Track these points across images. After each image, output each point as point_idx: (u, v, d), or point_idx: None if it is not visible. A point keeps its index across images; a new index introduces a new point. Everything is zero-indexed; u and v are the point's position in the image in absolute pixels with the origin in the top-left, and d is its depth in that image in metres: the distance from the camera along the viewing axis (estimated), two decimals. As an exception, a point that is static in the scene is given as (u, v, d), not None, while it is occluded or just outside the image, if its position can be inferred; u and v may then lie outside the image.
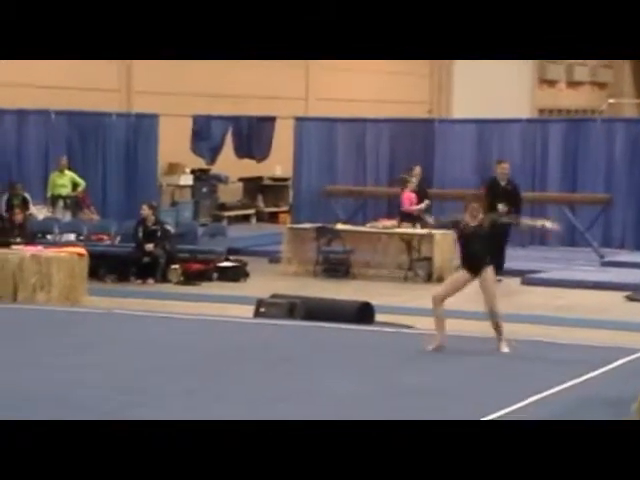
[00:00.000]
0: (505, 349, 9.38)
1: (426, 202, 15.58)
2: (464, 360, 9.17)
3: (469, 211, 9.50)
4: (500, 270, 13.08)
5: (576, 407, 7.48)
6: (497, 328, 9.47)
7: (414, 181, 15.67)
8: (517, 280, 14.26)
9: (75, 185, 17.31)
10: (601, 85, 28.97)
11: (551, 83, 27.77)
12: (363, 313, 11.01)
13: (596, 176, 17.35)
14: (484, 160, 18.62)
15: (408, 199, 15.43)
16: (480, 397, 7.73)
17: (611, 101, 23.78)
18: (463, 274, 9.62)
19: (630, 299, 12.93)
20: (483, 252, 9.47)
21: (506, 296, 13.61)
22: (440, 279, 14.65)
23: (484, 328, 10.69)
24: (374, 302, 11.34)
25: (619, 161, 17.41)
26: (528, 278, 14.39)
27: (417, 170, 16.04)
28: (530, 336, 10.25)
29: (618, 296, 13.02)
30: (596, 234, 16.58)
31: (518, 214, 13.84)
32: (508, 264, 15.00)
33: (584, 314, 11.99)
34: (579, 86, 27.87)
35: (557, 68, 26.99)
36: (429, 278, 14.72)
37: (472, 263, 9.49)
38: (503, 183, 14.30)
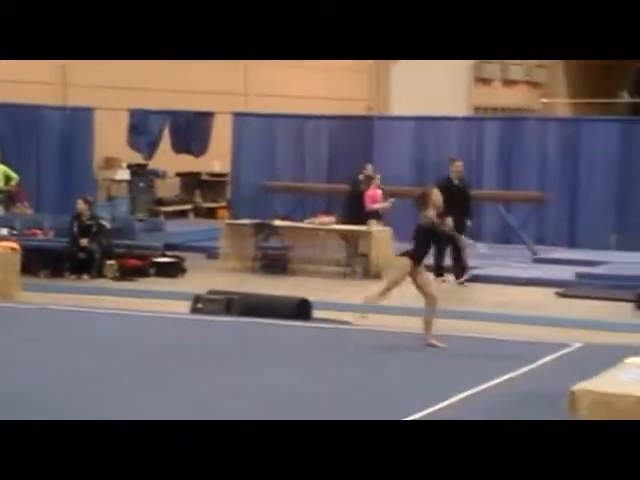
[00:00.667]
0: (440, 344, 9.48)
1: (391, 200, 15.54)
2: (402, 356, 9.26)
3: (435, 207, 9.54)
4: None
5: (510, 401, 7.59)
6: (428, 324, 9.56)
7: (378, 177, 15.72)
8: (452, 277, 14.42)
9: (8, 179, 17.06)
10: (535, 84, 29.41)
11: (487, 82, 28.11)
12: (301, 309, 11.04)
13: (530, 174, 17.62)
14: (422, 157, 18.80)
15: (371, 197, 15.40)
16: (414, 392, 7.81)
17: (545, 100, 24.14)
18: (407, 264, 9.56)
19: (561, 295, 13.17)
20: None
21: (444, 293, 13.78)
22: (377, 275, 14.76)
23: (435, 325, 10.81)
24: (312, 298, 11.38)
25: (552, 159, 17.69)
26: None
27: (369, 168, 16.11)
28: (465, 332, 10.38)
29: (550, 292, 13.25)
30: (529, 231, 16.83)
31: (468, 213, 14.03)
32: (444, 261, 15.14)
33: (517, 310, 12.18)
34: (514, 85, 28.23)
35: (493, 67, 27.33)
36: (366, 274, 14.81)
37: (422, 257, 9.54)
38: (456, 182, 14.30)
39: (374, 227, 15.10)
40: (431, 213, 9.56)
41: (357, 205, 15.65)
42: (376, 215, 15.34)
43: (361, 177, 16.05)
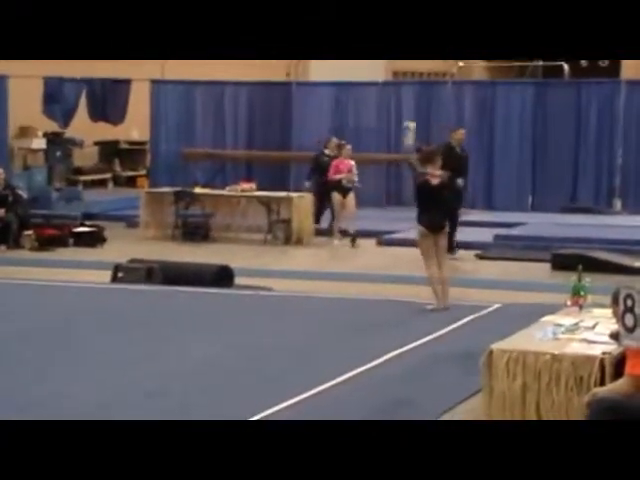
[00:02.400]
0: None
1: (355, 173, 14.80)
2: (323, 321, 9.32)
3: (436, 165, 9.56)
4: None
5: (429, 362, 7.72)
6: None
7: (349, 147, 14.93)
8: (372, 241, 14.54)
9: None
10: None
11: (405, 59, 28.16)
12: (222, 276, 11.03)
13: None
14: (341, 123, 18.85)
15: (335, 167, 14.61)
16: (340, 355, 7.89)
17: (461, 64, 24.31)
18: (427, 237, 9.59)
19: (479, 257, 13.38)
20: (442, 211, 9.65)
21: (358, 256, 13.88)
22: (299, 241, 14.82)
23: (355, 289, 10.91)
24: (234, 265, 11.37)
25: (468, 123, 17.89)
26: (384, 239, 14.68)
27: (334, 140, 15.45)
28: (384, 295, 10.49)
29: (469, 254, 13.45)
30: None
31: (465, 179, 13.71)
32: (362, 224, 15.27)
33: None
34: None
35: (411, 32, 27.46)
36: (288, 240, 14.85)
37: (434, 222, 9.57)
38: (458, 150, 13.69)
39: (335, 198, 14.53)
40: (437, 172, 9.59)
41: (322, 176, 14.95)
42: (339, 187, 14.55)
43: (327, 151, 15.32)
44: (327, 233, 15.00)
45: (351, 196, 14.72)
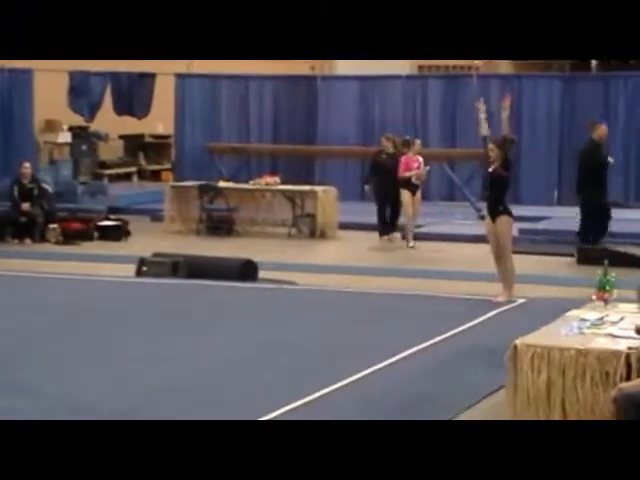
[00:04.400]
0: (499, 299, 9.62)
1: (426, 167, 14.28)
2: (347, 315, 9.29)
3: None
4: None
5: (453, 357, 7.68)
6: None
7: (418, 143, 14.42)
8: (397, 234, 14.48)
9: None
10: (480, 42, 29.43)
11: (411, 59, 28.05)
12: (246, 270, 11.03)
13: (473, 131, 17.64)
14: (366, 116, 18.81)
15: (405, 164, 13.91)
16: (364, 350, 7.86)
17: (488, 58, 24.20)
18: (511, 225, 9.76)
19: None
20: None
21: (390, 251, 13.85)
22: (323, 235, 14.80)
23: (379, 284, 10.89)
24: (258, 259, 11.36)
25: (496, 117, 17.70)
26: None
27: (390, 136, 14.80)
28: (412, 289, 10.45)
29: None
30: (474, 189, 16.94)
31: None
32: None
33: (462, 267, 12.29)
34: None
35: (437, 25, 27.32)
36: (312, 234, 14.84)
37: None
38: (604, 146, 13.11)
39: (404, 197, 13.81)
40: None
41: (382, 175, 14.20)
42: (409, 184, 13.85)
43: (385, 147, 14.58)
44: (384, 232, 14.29)
45: (418, 195, 14.04)
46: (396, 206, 14.26)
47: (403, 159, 13.96)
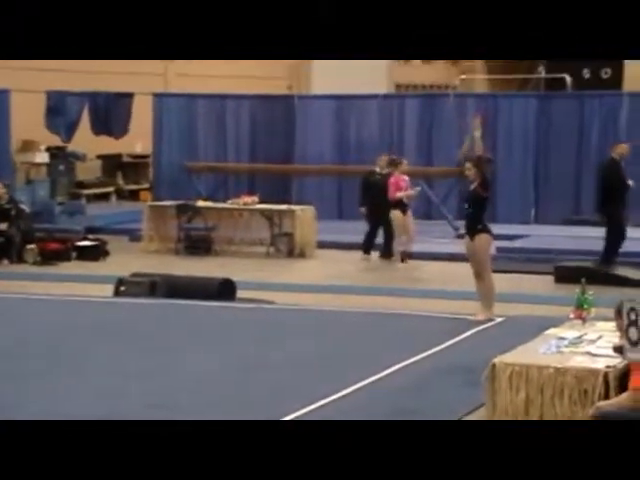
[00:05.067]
0: (477, 317, 9.69)
1: (416, 188, 14.29)
2: (326, 334, 9.30)
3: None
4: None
5: (432, 375, 7.71)
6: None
7: (405, 162, 14.27)
8: (375, 254, 14.52)
9: None
10: (454, 61, 29.67)
11: (407, 59, 28.23)
12: (224, 289, 11.02)
13: (450, 150, 17.79)
14: (343, 135, 18.88)
15: (394, 184, 13.76)
16: (342, 368, 7.87)
17: (464, 77, 24.36)
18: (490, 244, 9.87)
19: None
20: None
21: (369, 270, 13.88)
22: (302, 254, 14.82)
23: (358, 302, 10.90)
24: (236, 278, 11.36)
25: (471, 132, 17.87)
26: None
27: (384, 157, 14.68)
28: (390, 308, 10.48)
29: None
30: (451, 207, 17.03)
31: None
32: (363, 238, 15.22)
33: (438, 285, 12.33)
34: (433, 62, 28.43)
35: (413, 45, 27.46)
36: (291, 253, 14.85)
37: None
38: (622, 164, 12.94)
39: (396, 217, 13.69)
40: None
41: (375, 196, 14.08)
42: (400, 205, 13.75)
43: (377, 168, 14.54)
44: (384, 255, 14.20)
45: (409, 214, 14.03)
46: (390, 227, 14.06)
47: (392, 179, 13.86)
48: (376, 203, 14.08)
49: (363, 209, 14.59)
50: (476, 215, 9.70)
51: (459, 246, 14.46)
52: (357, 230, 15.92)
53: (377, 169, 14.63)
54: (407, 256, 13.92)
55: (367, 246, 14.37)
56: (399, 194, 13.76)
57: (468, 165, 9.81)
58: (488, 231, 9.76)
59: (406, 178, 14.07)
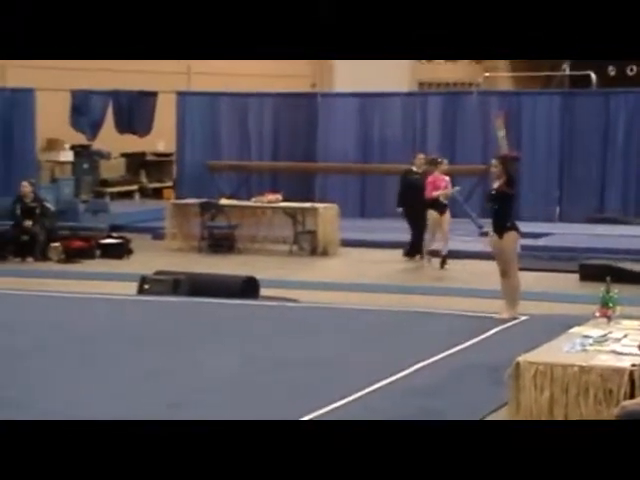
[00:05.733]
0: (502, 315, 9.67)
1: (456, 187, 14.14)
2: (349, 332, 9.29)
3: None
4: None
5: (456, 374, 7.67)
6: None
7: (445, 162, 13.92)
8: (398, 252, 14.49)
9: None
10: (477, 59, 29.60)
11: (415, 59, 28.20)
12: (248, 287, 11.03)
13: (474, 148, 17.75)
14: (366, 133, 18.86)
15: (432, 184, 13.52)
16: (366, 367, 7.86)
17: (487, 75, 24.26)
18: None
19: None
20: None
21: (391, 268, 13.85)
22: (324, 252, 14.81)
23: (381, 301, 10.89)
24: (259, 276, 11.37)
25: (494, 133, 17.82)
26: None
27: (420, 156, 14.55)
28: (414, 306, 10.45)
29: (495, 266, 13.34)
30: (474, 205, 16.97)
31: None
32: (387, 236, 15.20)
33: (463, 284, 12.29)
34: (457, 60, 28.36)
35: (436, 42, 27.40)
36: (314, 251, 14.85)
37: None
38: None
39: (432, 217, 13.44)
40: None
41: (414, 195, 13.83)
42: (436, 204, 13.47)
43: (414, 167, 14.35)
44: (410, 253, 14.02)
45: (447, 215, 13.65)
46: (423, 227, 13.82)
47: (430, 178, 13.62)
48: (415, 203, 13.84)
49: (400, 209, 14.39)
50: (504, 213, 9.68)
51: (483, 244, 14.46)
52: (380, 228, 15.94)
53: (414, 168, 14.40)
54: (444, 258, 13.49)
55: (412, 248, 14.04)
56: (435, 193, 13.50)
57: (495, 162, 9.82)
58: (516, 229, 9.74)
59: (446, 178, 13.76)
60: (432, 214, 13.52)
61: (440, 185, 13.56)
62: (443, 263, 13.50)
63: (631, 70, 23.56)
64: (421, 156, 14.57)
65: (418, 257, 14.00)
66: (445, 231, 13.64)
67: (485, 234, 12.85)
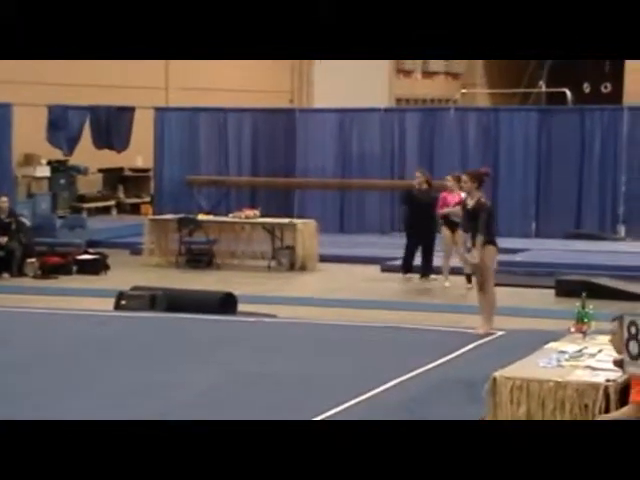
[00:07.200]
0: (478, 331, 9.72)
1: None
2: (327, 347, 9.29)
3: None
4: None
5: (432, 390, 7.68)
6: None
7: (449, 178, 13.28)
8: (377, 267, 14.52)
9: None
10: (455, 75, 29.80)
11: (408, 73, 28.38)
12: (226, 303, 11.02)
13: (451, 163, 17.82)
14: (344, 149, 18.91)
15: (442, 200, 13.24)
16: (342, 383, 7.85)
17: (464, 91, 24.42)
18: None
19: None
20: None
21: (369, 284, 13.88)
22: (303, 267, 14.82)
23: (359, 316, 10.90)
24: (237, 292, 11.36)
25: (472, 149, 17.96)
26: (387, 265, 14.66)
27: (420, 173, 14.20)
28: (389, 322, 10.46)
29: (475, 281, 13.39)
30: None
31: None
32: (366, 252, 15.21)
33: (440, 299, 12.32)
34: (434, 76, 28.55)
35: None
36: (292, 267, 14.85)
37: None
38: None
39: (445, 235, 13.18)
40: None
41: (415, 212, 13.66)
42: (448, 221, 13.04)
43: (415, 184, 13.99)
44: (424, 275, 13.65)
45: (459, 232, 12.67)
46: (430, 245, 13.60)
47: (442, 195, 13.31)
48: (416, 220, 13.64)
49: (406, 231, 14.09)
50: (484, 227, 9.72)
51: (457, 259, 14.45)
52: (359, 244, 15.95)
53: (416, 185, 14.03)
54: (468, 277, 12.87)
55: (407, 266, 13.85)
56: (443, 210, 13.19)
57: (465, 178, 9.93)
58: (494, 243, 9.82)
59: (462, 194, 12.64)
60: (445, 232, 13.25)
61: (449, 202, 13.10)
62: (469, 282, 12.82)
63: (605, 87, 23.79)
64: (418, 174, 14.21)
65: (432, 277, 13.63)
66: (452, 249, 13.20)
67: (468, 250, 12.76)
